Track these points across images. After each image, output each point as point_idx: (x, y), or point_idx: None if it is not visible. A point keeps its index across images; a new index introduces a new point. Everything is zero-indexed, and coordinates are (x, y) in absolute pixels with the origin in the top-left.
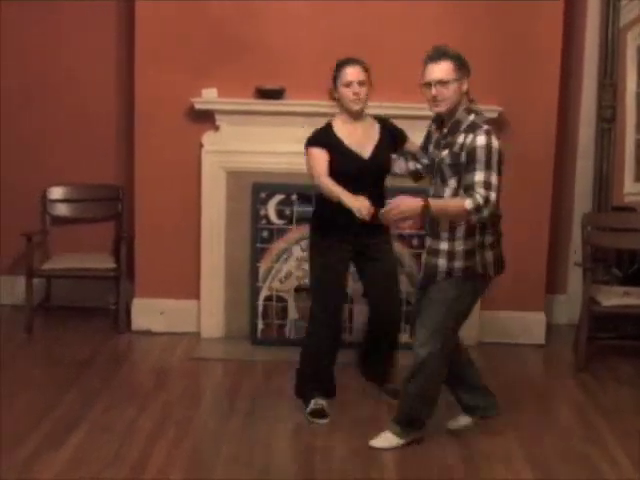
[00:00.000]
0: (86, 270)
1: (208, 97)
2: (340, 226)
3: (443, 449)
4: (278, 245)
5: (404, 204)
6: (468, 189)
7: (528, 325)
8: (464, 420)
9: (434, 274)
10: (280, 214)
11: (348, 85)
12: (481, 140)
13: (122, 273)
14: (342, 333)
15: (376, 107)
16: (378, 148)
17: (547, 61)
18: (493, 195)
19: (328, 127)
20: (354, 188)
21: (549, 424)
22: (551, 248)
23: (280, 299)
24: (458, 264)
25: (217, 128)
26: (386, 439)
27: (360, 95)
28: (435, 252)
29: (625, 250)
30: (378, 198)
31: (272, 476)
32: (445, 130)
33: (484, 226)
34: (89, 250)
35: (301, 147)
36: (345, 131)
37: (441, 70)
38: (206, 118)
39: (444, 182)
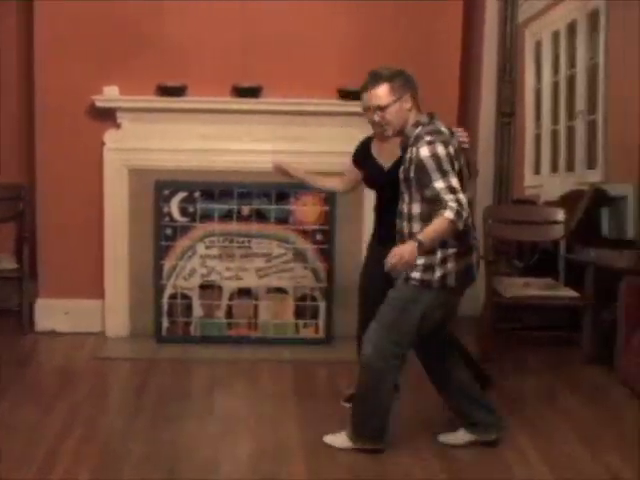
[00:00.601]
0: None
1: (109, 95)
2: None
3: None
4: (182, 243)
5: (405, 253)
6: (435, 201)
7: None
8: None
9: (396, 277)
10: (183, 211)
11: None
12: (424, 152)
13: (25, 274)
14: None
15: (279, 104)
16: (397, 162)
17: (447, 57)
18: (461, 196)
19: (368, 140)
20: (379, 195)
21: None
22: None
23: (185, 297)
24: (415, 274)
25: (119, 126)
26: (339, 438)
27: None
28: None
29: (526, 242)
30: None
31: (181, 475)
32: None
33: (445, 243)
34: None
35: (204, 144)
36: (377, 144)
37: (378, 95)
38: (108, 116)
39: (401, 196)
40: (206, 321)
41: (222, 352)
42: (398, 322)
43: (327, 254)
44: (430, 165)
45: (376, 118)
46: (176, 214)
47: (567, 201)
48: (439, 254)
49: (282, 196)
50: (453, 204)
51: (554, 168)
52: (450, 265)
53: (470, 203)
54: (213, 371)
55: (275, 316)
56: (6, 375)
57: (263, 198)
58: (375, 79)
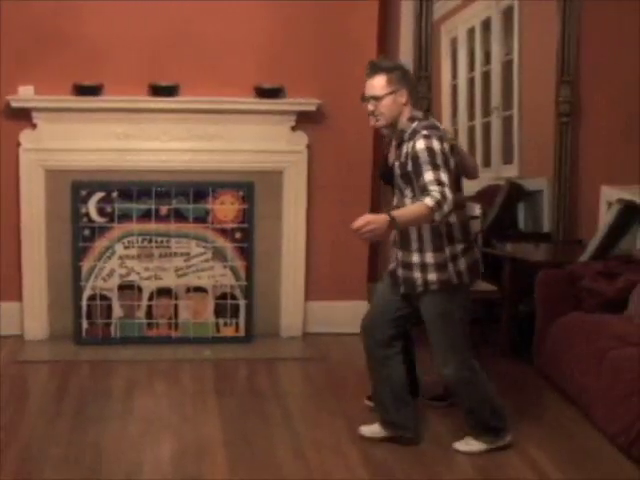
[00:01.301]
0: None
1: (24, 95)
2: None
3: None
4: (100, 243)
5: (372, 220)
6: (423, 191)
7: (349, 312)
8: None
9: (412, 286)
10: (101, 212)
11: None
12: (420, 144)
13: None
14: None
15: (195, 102)
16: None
17: (363, 55)
18: (447, 191)
19: None
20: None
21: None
22: None
23: (104, 298)
24: (431, 276)
25: (35, 126)
26: (472, 445)
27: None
28: (409, 265)
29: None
30: None
31: (102, 476)
32: (395, 143)
33: (452, 237)
34: None
35: (121, 143)
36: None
37: (374, 86)
38: (23, 116)
39: (401, 193)
40: (126, 322)
41: (143, 353)
42: (454, 334)
43: (246, 252)
44: (424, 157)
45: (370, 107)
46: (94, 215)
47: (484, 196)
48: (448, 251)
49: (200, 195)
50: (436, 194)
51: None
52: (461, 262)
53: (464, 205)
54: (134, 372)
55: (195, 315)
56: None
57: (181, 197)
58: (373, 69)
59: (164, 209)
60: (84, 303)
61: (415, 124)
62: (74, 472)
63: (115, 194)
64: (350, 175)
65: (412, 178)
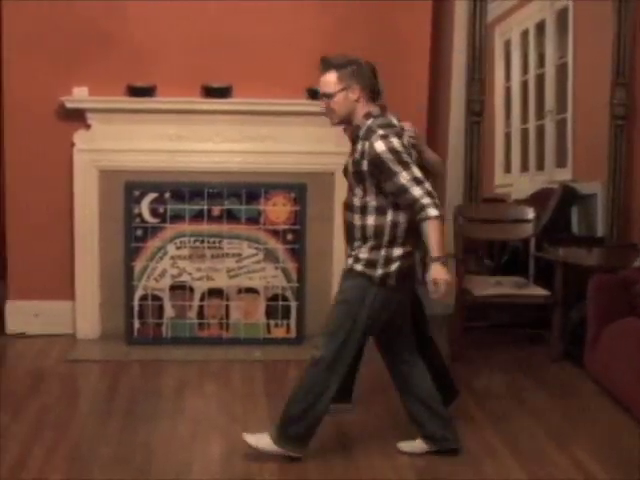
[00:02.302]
0: None
1: (79, 95)
2: None
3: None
4: (153, 243)
5: (438, 280)
6: (400, 194)
7: None
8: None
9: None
10: (154, 212)
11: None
12: (380, 147)
13: None
14: None
15: (248, 104)
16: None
17: (416, 56)
18: (428, 185)
19: None
20: None
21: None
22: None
23: (156, 298)
24: (358, 266)
25: (89, 127)
26: (260, 438)
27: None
28: (348, 255)
29: (496, 241)
30: None
31: (152, 476)
32: (350, 139)
33: (393, 240)
34: None
35: (174, 144)
36: None
37: (325, 83)
38: (77, 117)
39: (352, 191)
40: (177, 322)
41: (193, 353)
42: (339, 327)
43: (298, 254)
44: (389, 159)
45: (323, 104)
46: (146, 215)
47: (537, 199)
48: (383, 252)
49: (252, 196)
50: (426, 200)
51: (524, 167)
52: (393, 266)
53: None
54: (184, 372)
55: (246, 316)
56: None
57: (233, 198)
58: (324, 66)
59: (216, 210)
60: (136, 303)
61: (370, 121)
62: (124, 472)
63: (168, 195)
64: None
65: (366, 178)
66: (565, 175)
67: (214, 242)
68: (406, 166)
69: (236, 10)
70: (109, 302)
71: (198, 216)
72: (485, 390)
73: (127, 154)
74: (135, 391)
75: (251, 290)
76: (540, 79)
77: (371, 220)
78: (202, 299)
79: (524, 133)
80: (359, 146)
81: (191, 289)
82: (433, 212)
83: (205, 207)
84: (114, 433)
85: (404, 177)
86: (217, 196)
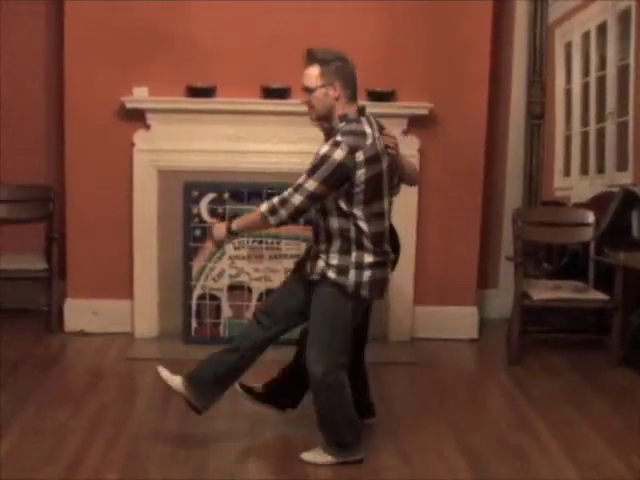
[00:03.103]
0: (18, 271)
1: (139, 96)
2: None
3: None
4: (211, 244)
5: (213, 231)
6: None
7: (461, 320)
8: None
9: (313, 268)
10: (212, 212)
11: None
12: (323, 149)
13: (54, 274)
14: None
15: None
16: None
17: (476, 58)
18: (297, 197)
19: None
20: None
21: (482, 416)
22: (483, 243)
23: (213, 297)
24: (331, 274)
25: (148, 127)
26: (317, 454)
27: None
28: (316, 255)
29: (555, 244)
30: None
31: (209, 475)
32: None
33: (361, 245)
34: (20, 251)
35: (233, 145)
36: None
37: (306, 76)
38: (137, 117)
39: None
40: (235, 322)
41: None
42: (329, 337)
43: None
44: (314, 161)
45: (303, 99)
46: (205, 215)
47: (597, 203)
48: (354, 257)
49: None
50: (276, 200)
51: (584, 170)
52: (366, 274)
53: (382, 214)
54: None
55: None
56: (34, 375)
57: None
58: (309, 59)
59: None
60: (194, 302)
61: (342, 125)
62: (180, 470)
63: (226, 195)
64: (461, 180)
65: None
66: (626, 179)
67: (272, 243)
68: (311, 174)
69: (297, 10)
70: (167, 301)
71: None
72: (543, 395)
73: (186, 154)
74: None
75: None
76: (601, 81)
77: (335, 223)
78: (260, 299)
79: (584, 136)
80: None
81: (249, 289)
82: (264, 208)
83: None
84: (171, 432)
85: (299, 180)
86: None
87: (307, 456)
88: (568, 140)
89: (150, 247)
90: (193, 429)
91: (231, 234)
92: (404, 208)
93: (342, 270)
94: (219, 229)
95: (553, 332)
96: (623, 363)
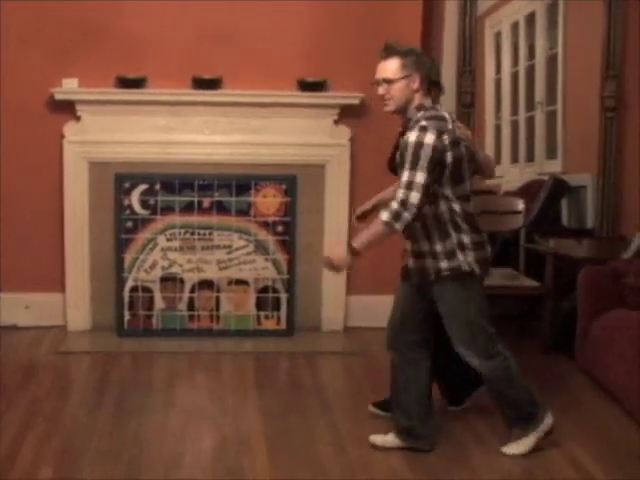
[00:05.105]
0: None
1: (69, 87)
2: None
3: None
4: (143, 235)
5: (331, 257)
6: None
7: (386, 307)
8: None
9: (424, 275)
10: (144, 204)
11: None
12: (412, 136)
13: None
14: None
15: (238, 95)
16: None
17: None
18: (414, 195)
19: None
20: None
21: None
22: None
23: (146, 289)
24: (443, 264)
25: (78, 118)
26: (520, 444)
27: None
28: (420, 254)
29: (486, 232)
30: None
31: (143, 469)
32: (401, 130)
33: (457, 226)
34: None
35: (164, 136)
36: None
37: (387, 68)
38: (67, 108)
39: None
40: (168, 314)
41: (184, 345)
42: (470, 327)
43: (288, 245)
44: (410, 152)
45: (381, 90)
46: (137, 207)
47: (527, 191)
48: (454, 239)
49: (243, 188)
50: (395, 205)
51: (514, 158)
52: (469, 254)
53: (468, 196)
54: (175, 364)
55: (236, 308)
56: None
57: (223, 190)
58: (388, 52)
59: (207, 202)
60: (126, 295)
61: (420, 114)
62: (114, 464)
63: (158, 186)
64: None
65: None
66: (555, 167)
67: (204, 234)
68: (414, 167)
69: (227, 2)
70: (99, 294)
71: (188, 208)
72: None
73: (117, 146)
74: (126, 383)
75: (241, 282)
76: (530, 71)
77: (426, 209)
78: (192, 291)
79: (514, 125)
80: (405, 138)
81: (181, 281)
82: (385, 216)
83: (195, 199)
84: (105, 425)
85: (404, 176)
86: (207, 188)
87: (509, 449)
88: (498, 129)
89: (81, 239)
90: (127, 423)
91: (354, 255)
92: (337, 198)
93: (450, 254)
94: (337, 253)
95: None
96: (554, 349)
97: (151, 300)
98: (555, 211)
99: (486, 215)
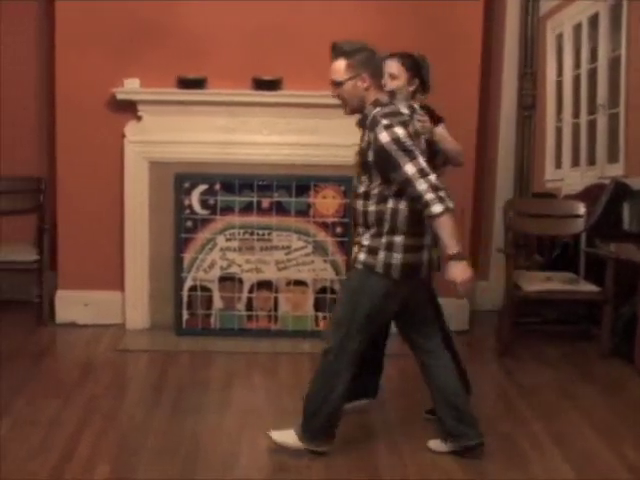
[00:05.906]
0: (9, 263)
1: (130, 87)
2: None
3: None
4: (202, 235)
5: (461, 277)
6: (407, 185)
7: (452, 311)
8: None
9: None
10: (204, 204)
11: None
12: (384, 137)
13: (45, 265)
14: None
15: (298, 96)
16: None
17: (468, 51)
18: (431, 177)
19: None
20: None
21: (473, 406)
22: (474, 235)
23: (204, 289)
24: (362, 256)
25: (139, 118)
26: (286, 435)
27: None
28: (355, 243)
29: (546, 236)
30: None
31: (198, 467)
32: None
33: (395, 227)
34: (11, 242)
35: (224, 136)
36: None
37: (334, 70)
38: (128, 108)
39: (359, 179)
40: (226, 313)
41: (241, 344)
42: (348, 314)
43: (347, 247)
44: (393, 150)
45: (333, 93)
46: (196, 206)
47: (588, 195)
48: (384, 239)
49: (302, 189)
50: (430, 195)
51: (575, 162)
52: (396, 255)
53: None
54: (232, 363)
55: (294, 309)
56: (26, 367)
57: (283, 190)
58: (335, 53)
59: (266, 202)
60: (185, 294)
61: (377, 110)
62: (170, 463)
63: (218, 186)
64: (451, 173)
65: (370, 167)
66: (617, 170)
67: (263, 234)
68: (411, 156)
69: (288, 2)
70: (158, 293)
71: (248, 208)
72: (533, 386)
73: (177, 146)
74: (183, 382)
75: (300, 282)
76: (592, 73)
77: (372, 207)
78: (251, 291)
79: (575, 127)
80: (365, 136)
81: (240, 281)
82: (437, 209)
83: (255, 199)
84: (161, 424)
85: (409, 169)
86: (267, 188)
87: (275, 435)
88: (559, 132)
89: (141, 238)
90: (183, 421)
91: (463, 259)
92: None
93: (372, 251)
94: (462, 269)
95: (544, 324)
96: (613, 354)
97: (209, 300)
98: (616, 215)
99: (547, 219)
